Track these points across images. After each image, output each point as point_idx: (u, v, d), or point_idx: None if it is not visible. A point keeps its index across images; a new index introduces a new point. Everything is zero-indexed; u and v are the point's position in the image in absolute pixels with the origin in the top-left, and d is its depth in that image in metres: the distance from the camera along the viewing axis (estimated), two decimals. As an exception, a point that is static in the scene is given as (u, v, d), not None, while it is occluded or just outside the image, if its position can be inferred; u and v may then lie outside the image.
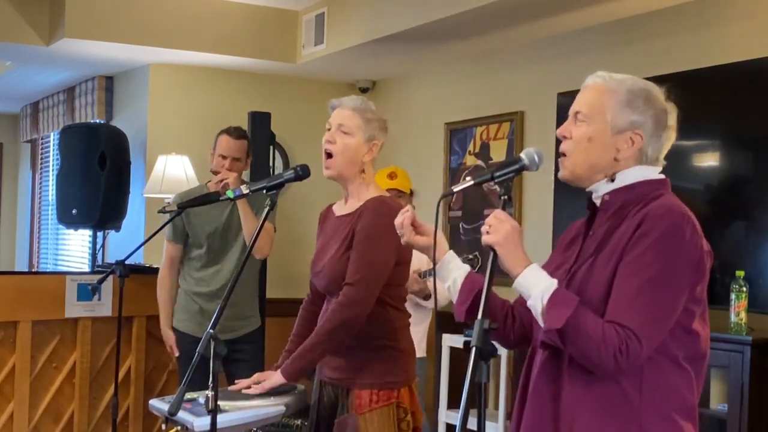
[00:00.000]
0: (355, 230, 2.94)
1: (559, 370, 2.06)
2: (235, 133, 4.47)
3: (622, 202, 2.09)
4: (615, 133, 2.10)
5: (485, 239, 2.03)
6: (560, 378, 2.06)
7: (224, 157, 4.41)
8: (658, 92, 2.16)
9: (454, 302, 2.22)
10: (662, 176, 2.15)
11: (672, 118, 2.15)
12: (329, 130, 3.00)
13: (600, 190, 2.13)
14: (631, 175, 2.11)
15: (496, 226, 2.03)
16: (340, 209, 3.09)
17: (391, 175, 4.59)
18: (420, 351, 4.36)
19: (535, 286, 2.00)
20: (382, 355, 2.96)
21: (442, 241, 2.29)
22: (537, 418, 2.09)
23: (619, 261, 2.00)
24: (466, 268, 2.24)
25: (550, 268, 2.18)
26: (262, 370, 4.78)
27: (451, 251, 2.28)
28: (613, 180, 2.11)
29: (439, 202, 2.16)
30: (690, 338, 2.05)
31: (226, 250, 4.50)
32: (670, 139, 2.16)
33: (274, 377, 2.99)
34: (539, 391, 2.10)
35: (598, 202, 2.15)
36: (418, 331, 4.36)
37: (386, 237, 2.87)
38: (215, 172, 4.42)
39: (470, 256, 4.31)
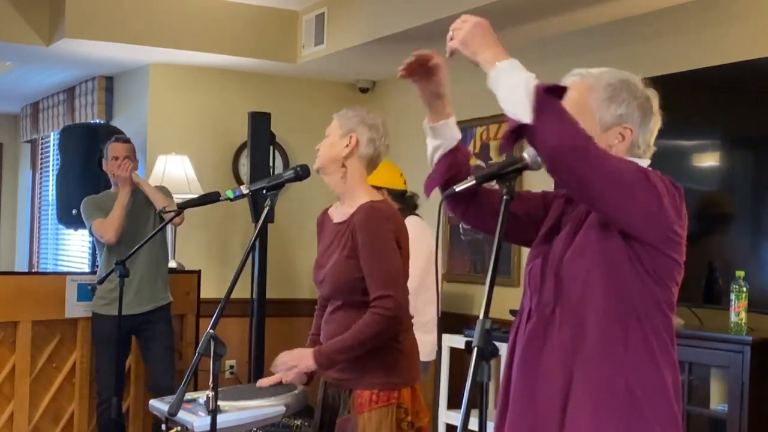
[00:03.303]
0: (354, 239, 2.94)
1: (547, 337, 2.08)
2: (121, 139, 5.22)
3: None
4: (604, 130, 2.12)
5: (450, 45, 2.03)
6: (549, 343, 2.07)
7: (116, 158, 5.03)
8: (637, 80, 2.17)
9: (431, 165, 2.27)
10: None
11: (655, 104, 2.16)
12: None
13: None
14: None
15: (459, 27, 2.02)
16: (336, 215, 3.10)
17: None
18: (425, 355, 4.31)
19: (522, 71, 1.97)
20: (383, 355, 2.96)
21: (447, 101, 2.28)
22: (526, 384, 2.11)
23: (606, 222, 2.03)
24: (457, 137, 2.25)
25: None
26: (171, 343, 5.10)
27: (453, 117, 2.28)
28: None
29: (441, 202, 2.16)
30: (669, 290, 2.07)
31: (137, 236, 4.88)
32: (656, 124, 2.18)
33: (309, 362, 2.98)
34: (527, 358, 2.11)
35: None
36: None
37: (389, 240, 2.94)
38: (113, 174, 5.01)
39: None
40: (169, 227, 4.82)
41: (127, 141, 5.21)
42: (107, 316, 4.92)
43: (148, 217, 5.04)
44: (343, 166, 3.02)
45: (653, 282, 2.04)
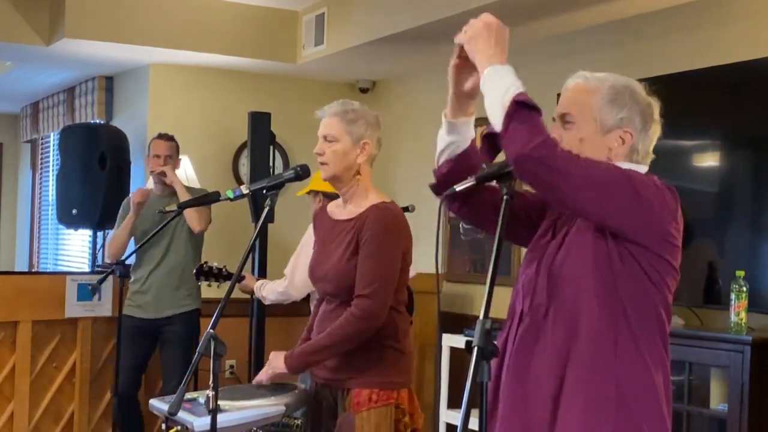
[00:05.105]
0: (359, 237, 2.93)
1: (539, 339, 2.08)
2: (164, 136, 5.20)
3: None
4: (605, 132, 2.12)
5: (458, 38, 2.06)
6: (541, 346, 2.08)
7: (158, 156, 5.09)
8: (639, 87, 2.17)
9: (438, 159, 2.26)
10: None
11: (656, 112, 2.16)
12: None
13: None
14: None
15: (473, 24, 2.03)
16: (339, 213, 3.08)
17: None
18: None
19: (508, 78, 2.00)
20: (384, 355, 2.96)
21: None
22: (517, 387, 2.11)
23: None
24: (471, 137, 2.27)
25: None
26: (184, 350, 5.04)
27: (474, 116, 2.30)
28: None
29: (441, 201, 2.16)
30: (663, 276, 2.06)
31: (162, 237, 4.94)
32: (656, 132, 2.18)
33: (279, 364, 3.00)
34: (519, 360, 2.11)
35: None
36: None
37: (395, 246, 2.93)
38: (152, 171, 5.05)
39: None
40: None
41: (170, 138, 5.22)
42: (128, 317, 4.98)
43: (177, 219, 4.96)
44: (357, 172, 3.01)
45: (647, 283, 2.04)
